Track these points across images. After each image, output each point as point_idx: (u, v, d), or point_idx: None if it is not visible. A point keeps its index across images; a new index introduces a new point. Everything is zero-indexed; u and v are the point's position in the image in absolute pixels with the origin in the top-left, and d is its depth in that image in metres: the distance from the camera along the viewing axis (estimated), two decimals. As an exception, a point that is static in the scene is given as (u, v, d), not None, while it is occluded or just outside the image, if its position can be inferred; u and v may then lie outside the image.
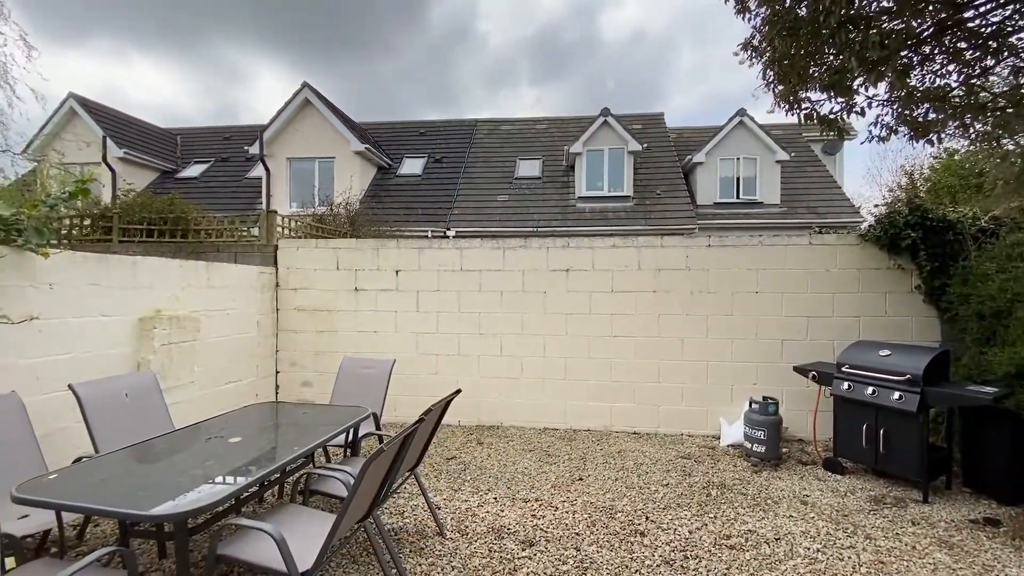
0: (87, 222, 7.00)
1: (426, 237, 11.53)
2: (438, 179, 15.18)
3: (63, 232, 6.70)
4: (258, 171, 14.55)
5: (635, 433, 5.39)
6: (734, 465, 4.43)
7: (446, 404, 2.97)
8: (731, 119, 14.14)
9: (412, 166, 15.74)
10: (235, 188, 15.36)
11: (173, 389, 4.24)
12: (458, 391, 3.08)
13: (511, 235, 8.50)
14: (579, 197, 13.89)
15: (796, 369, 4.67)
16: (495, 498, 3.73)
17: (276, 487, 3.65)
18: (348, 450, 3.65)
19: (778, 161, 13.90)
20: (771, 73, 3.65)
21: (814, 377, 4.48)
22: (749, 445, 4.47)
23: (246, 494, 3.24)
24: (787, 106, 3.84)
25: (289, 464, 2.61)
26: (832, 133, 3.91)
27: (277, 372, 6.04)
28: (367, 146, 14.30)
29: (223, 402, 4.89)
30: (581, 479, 4.11)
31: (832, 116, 3.82)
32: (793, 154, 14.72)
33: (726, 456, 4.67)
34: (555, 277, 5.57)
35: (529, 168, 15.27)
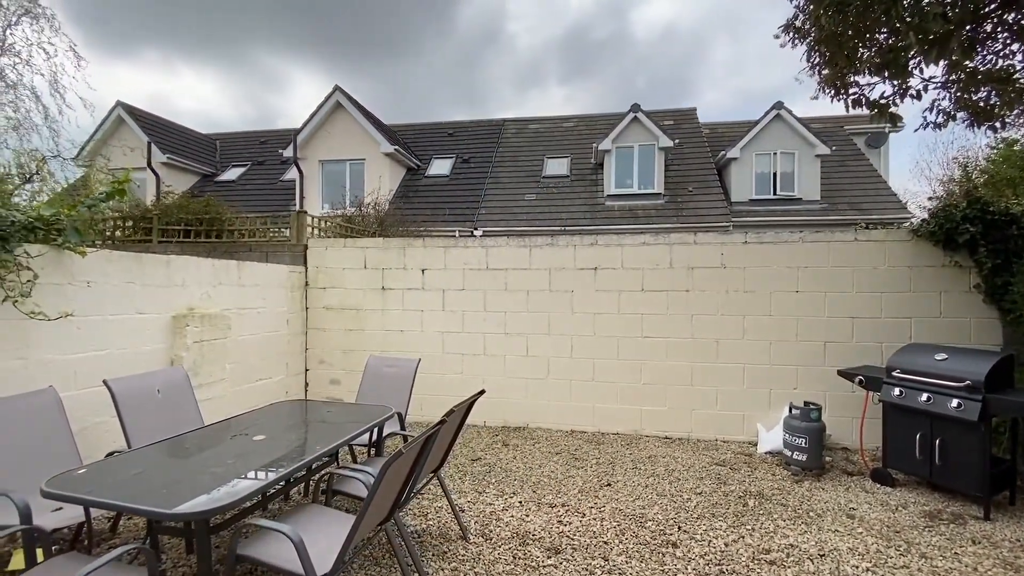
0: (129, 223, 7.27)
1: (453, 237, 11.54)
2: (466, 179, 15.21)
3: (107, 233, 6.98)
4: (292, 174, 14.92)
5: (666, 438, 5.20)
6: (772, 474, 4.20)
7: (469, 405, 2.89)
8: (767, 112, 13.61)
9: (440, 167, 15.82)
10: (271, 191, 15.78)
11: (205, 386, 4.32)
12: (481, 392, 3.01)
13: (538, 234, 8.39)
14: (608, 195, 13.65)
15: (841, 373, 4.39)
16: (520, 502, 3.63)
17: (303, 484, 3.66)
18: (372, 450, 3.63)
19: (818, 155, 13.31)
20: (816, 55, 3.40)
21: (861, 382, 4.20)
22: (789, 453, 4.23)
23: (272, 491, 3.27)
24: (833, 91, 3.58)
25: (310, 464, 2.59)
26: (883, 120, 3.63)
27: (307, 370, 6.12)
28: (396, 147, 14.44)
29: (254, 399, 4.97)
30: (610, 484, 3.97)
31: (883, 101, 3.54)
32: (834, 148, 14.07)
33: (764, 464, 4.44)
34: (583, 276, 5.43)
35: (557, 167, 15.12)
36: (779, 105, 13.52)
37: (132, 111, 15.52)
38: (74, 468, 2.31)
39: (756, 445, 4.88)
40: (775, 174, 13.58)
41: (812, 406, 4.21)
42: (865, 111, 3.72)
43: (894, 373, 3.94)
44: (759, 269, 5.03)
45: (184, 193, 10.57)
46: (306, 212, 6.65)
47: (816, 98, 3.80)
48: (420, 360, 4.20)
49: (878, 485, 3.96)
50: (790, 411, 4.34)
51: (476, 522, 3.32)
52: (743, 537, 3.13)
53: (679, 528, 3.25)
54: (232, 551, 2.02)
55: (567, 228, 12.57)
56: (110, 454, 2.85)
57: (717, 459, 4.57)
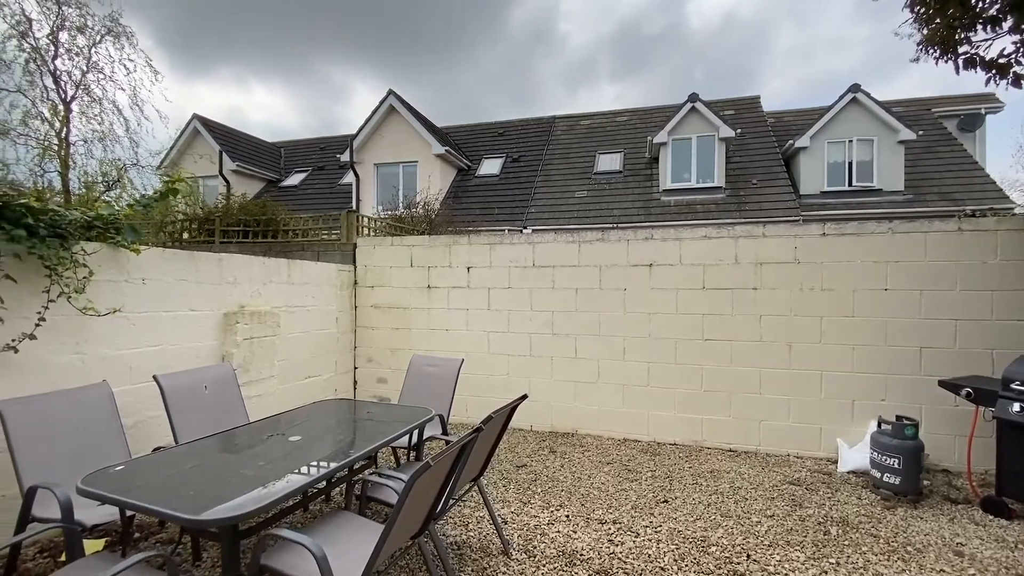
0: (194, 225, 7.66)
1: (500, 234, 11.39)
2: (516, 178, 15.06)
3: (175, 235, 7.38)
4: (349, 177, 15.38)
5: (731, 451, 4.75)
6: (858, 497, 3.69)
7: (510, 411, 2.68)
8: (842, 96, 12.49)
9: (490, 167, 15.77)
10: (330, 194, 16.37)
11: (255, 382, 4.38)
12: (524, 396, 2.78)
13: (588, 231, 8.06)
14: (663, 190, 13.04)
15: (943, 384, 3.79)
16: (567, 516, 3.37)
17: (343, 485, 3.57)
18: (412, 453, 3.49)
19: (901, 141, 12.05)
20: (920, 5, 2.89)
21: (968, 395, 3.60)
22: (878, 474, 3.69)
23: (312, 491, 3.20)
24: (939, 51, 3.05)
25: (350, 465, 2.47)
26: (1005, 82, 3.05)
27: (355, 368, 6.14)
28: (447, 148, 14.53)
29: (303, 396, 5.01)
30: (666, 501, 3.62)
31: (1004, 60, 2.96)
32: (921, 133, 12.71)
33: (846, 485, 3.91)
34: (636, 273, 5.08)
35: (609, 162, 14.65)
36: (855, 88, 12.36)
37: (206, 123, 16.60)
38: (113, 464, 2.30)
39: (836, 463, 4.34)
40: (851, 163, 12.44)
41: (907, 421, 3.66)
42: (980, 73, 3.13)
43: (1013, 385, 3.33)
44: (840, 264, 4.48)
45: (243, 195, 11.10)
46: (356, 211, 6.70)
47: (917, 60, 3.24)
48: (463, 360, 4.03)
49: (990, 516, 3.37)
50: (879, 426, 3.80)
51: (519, 536, 3.09)
52: (826, 572, 2.71)
53: (748, 556, 2.87)
54: (255, 561, 1.91)
55: (619, 225, 12.11)
56: (156, 448, 2.88)
57: (790, 477, 4.09)
